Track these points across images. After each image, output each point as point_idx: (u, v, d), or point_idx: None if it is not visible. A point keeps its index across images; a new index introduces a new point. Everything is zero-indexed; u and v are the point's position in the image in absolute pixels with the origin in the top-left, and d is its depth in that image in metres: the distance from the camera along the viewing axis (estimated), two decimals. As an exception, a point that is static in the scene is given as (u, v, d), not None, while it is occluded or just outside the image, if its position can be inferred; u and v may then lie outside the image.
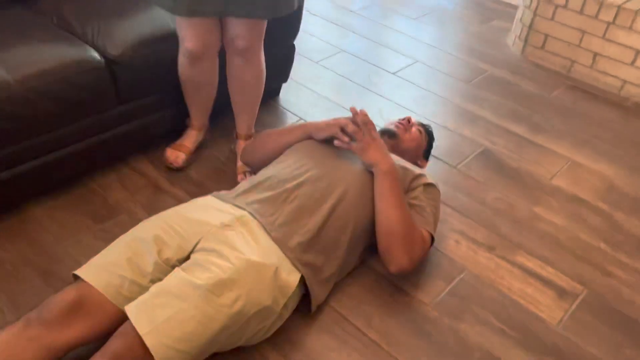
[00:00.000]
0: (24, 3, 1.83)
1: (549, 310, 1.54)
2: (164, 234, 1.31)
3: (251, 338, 1.30)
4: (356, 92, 2.46)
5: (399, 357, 1.39)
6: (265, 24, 1.68)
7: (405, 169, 1.56)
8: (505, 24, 3.17)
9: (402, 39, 2.95)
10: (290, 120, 2.23)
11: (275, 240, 1.35)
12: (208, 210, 1.39)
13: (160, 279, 1.25)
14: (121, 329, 1.14)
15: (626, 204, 1.94)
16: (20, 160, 1.58)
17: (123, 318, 1.19)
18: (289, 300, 1.33)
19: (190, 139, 1.91)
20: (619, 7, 2.46)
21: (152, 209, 1.72)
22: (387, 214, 1.45)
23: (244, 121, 1.91)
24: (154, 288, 1.19)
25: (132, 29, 1.72)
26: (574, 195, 1.96)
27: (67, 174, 1.75)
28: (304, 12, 3.07)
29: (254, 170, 1.73)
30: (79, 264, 1.51)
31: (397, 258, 1.45)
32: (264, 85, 1.85)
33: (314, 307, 1.42)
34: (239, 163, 1.88)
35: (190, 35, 1.61)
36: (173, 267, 1.28)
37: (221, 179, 1.88)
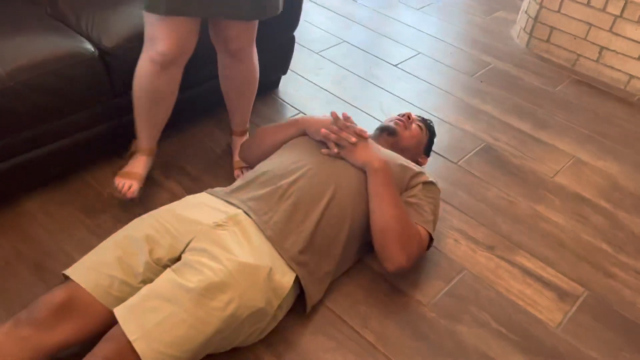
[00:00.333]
0: (18, -8, 1.79)
1: (548, 312, 1.52)
2: (155, 233, 1.29)
3: (245, 339, 1.28)
4: (357, 84, 2.42)
5: (395, 359, 1.37)
6: (257, 23, 1.62)
7: (403, 167, 1.53)
8: (510, 15, 3.11)
9: (404, 30, 2.90)
10: (289, 112, 2.19)
11: (270, 239, 1.32)
12: (201, 209, 1.37)
13: (151, 279, 1.23)
14: (110, 332, 1.12)
15: (630, 203, 1.91)
16: (13, 153, 1.55)
17: (113, 318, 1.17)
18: (283, 301, 1.31)
19: (141, 164, 1.67)
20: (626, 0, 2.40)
21: (147, 203, 1.70)
22: (381, 212, 1.42)
23: (238, 118, 1.87)
24: (144, 290, 1.17)
25: (127, 20, 1.68)
26: (576, 193, 1.93)
27: (62, 167, 1.72)
28: (307, 1, 3.03)
29: (252, 167, 1.70)
30: (72, 259, 1.49)
31: (393, 256, 1.42)
32: (257, 82, 1.80)
33: (309, 308, 1.40)
34: (236, 158, 1.85)
35: (165, 36, 1.45)
36: (164, 267, 1.26)
37: (217, 173, 1.85)
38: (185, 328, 1.12)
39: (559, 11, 2.62)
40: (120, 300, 1.21)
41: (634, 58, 2.47)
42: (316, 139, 1.54)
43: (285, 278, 1.30)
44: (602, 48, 2.55)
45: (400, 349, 1.39)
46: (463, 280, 1.58)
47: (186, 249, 1.27)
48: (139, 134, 1.66)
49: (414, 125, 1.74)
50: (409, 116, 1.74)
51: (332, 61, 2.56)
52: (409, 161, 1.58)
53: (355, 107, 2.26)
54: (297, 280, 1.34)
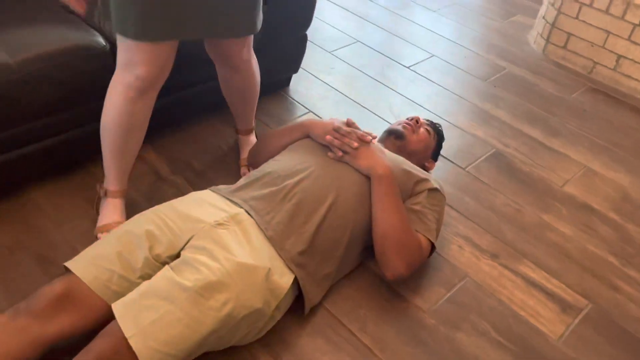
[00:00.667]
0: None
1: (550, 324, 1.49)
2: (156, 229, 1.29)
3: (242, 339, 1.28)
4: (368, 85, 2.40)
5: (392, 364, 1.36)
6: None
7: (408, 172, 1.52)
8: (528, 20, 3.08)
9: (419, 31, 2.88)
10: (299, 112, 2.19)
11: (270, 239, 1.32)
12: (203, 206, 1.37)
13: (149, 275, 1.23)
14: (107, 328, 1.12)
15: (639, 216, 1.88)
16: (20, 143, 1.56)
17: (111, 312, 1.17)
18: (281, 302, 1.30)
19: (117, 210, 1.53)
20: (647, 8, 2.36)
21: (152, 197, 1.70)
22: (382, 219, 1.41)
23: (243, 119, 1.85)
24: (142, 287, 1.17)
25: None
26: (585, 204, 1.90)
27: (69, 158, 1.73)
28: (321, 0, 3.02)
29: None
30: (75, 251, 1.50)
31: (392, 264, 1.41)
32: (259, 84, 1.76)
33: (307, 309, 1.39)
34: (243, 156, 1.85)
35: (146, 61, 1.32)
36: (163, 263, 1.26)
37: (223, 170, 1.85)
38: (180, 327, 1.12)
39: (577, 17, 2.58)
40: (119, 294, 1.22)
41: (652, 68, 2.43)
42: (320, 143, 1.53)
43: (284, 279, 1.30)
44: (619, 56, 2.51)
45: (397, 354, 1.38)
46: (465, 287, 1.56)
47: (186, 247, 1.27)
48: (109, 174, 1.51)
49: (421, 129, 1.73)
50: (417, 120, 1.72)
51: (344, 61, 2.55)
52: (414, 166, 1.57)
53: (365, 108, 2.25)
54: (296, 282, 1.34)
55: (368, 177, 1.46)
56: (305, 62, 2.40)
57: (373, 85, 2.40)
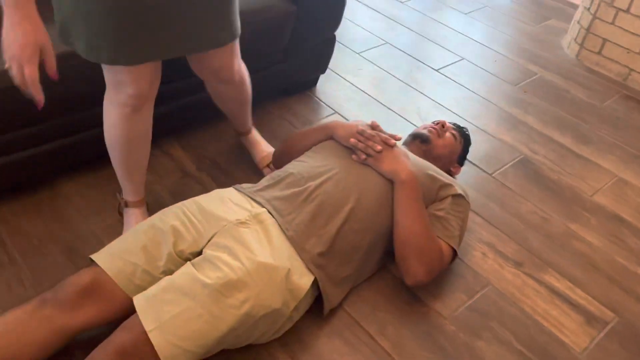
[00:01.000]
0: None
1: (574, 335, 1.46)
2: (181, 225, 1.31)
3: (260, 337, 1.29)
4: (396, 87, 2.39)
5: (410, 369, 1.35)
6: (238, 41, 1.45)
7: (432, 177, 1.50)
8: (561, 24, 3.01)
9: (450, 34, 2.85)
10: (325, 112, 2.19)
11: (291, 239, 1.32)
12: (226, 204, 1.38)
13: (171, 270, 1.25)
14: (128, 321, 1.15)
15: (672, 229, 1.82)
16: (53, 136, 1.60)
17: (132, 305, 1.20)
18: (300, 303, 1.31)
19: (139, 218, 1.55)
20: (687, 14, 2.29)
21: (178, 194, 1.73)
22: (404, 225, 1.40)
23: (241, 122, 1.80)
24: (163, 282, 1.19)
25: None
26: (615, 214, 1.85)
27: (99, 153, 1.76)
28: (352, 1, 3.02)
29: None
30: (101, 244, 1.54)
31: (412, 270, 1.40)
32: (251, 87, 1.66)
33: (326, 311, 1.40)
34: (258, 157, 1.85)
35: (134, 80, 1.29)
36: (186, 259, 1.28)
37: (248, 168, 1.87)
38: (200, 323, 1.14)
39: (613, 23, 2.52)
40: (141, 288, 1.24)
41: (691, 76, 2.35)
42: (344, 145, 1.53)
43: (303, 280, 1.30)
44: (656, 64, 2.44)
45: (415, 359, 1.37)
46: (487, 295, 1.54)
47: (208, 244, 1.28)
48: (124, 187, 1.54)
49: (447, 134, 1.71)
50: (443, 124, 1.71)
51: (372, 62, 2.54)
52: (439, 171, 1.55)
53: (393, 110, 2.24)
54: (315, 283, 1.34)
55: (391, 181, 1.46)
56: (333, 62, 2.40)
57: (401, 88, 2.39)
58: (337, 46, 2.23)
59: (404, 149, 1.56)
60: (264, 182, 1.50)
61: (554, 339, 1.45)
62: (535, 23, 3.02)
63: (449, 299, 1.52)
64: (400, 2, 3.12)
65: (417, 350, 1.39)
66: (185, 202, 1.42)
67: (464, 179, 1.91)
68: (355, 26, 2.82)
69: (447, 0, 3.19)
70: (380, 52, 2.62)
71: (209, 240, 1.30)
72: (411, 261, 1.41)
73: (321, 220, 1.37)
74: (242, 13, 1.75)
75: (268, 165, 1.82)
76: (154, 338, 1.10)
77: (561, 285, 1.59)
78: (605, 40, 2.58)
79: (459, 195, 1.52)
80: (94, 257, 1.28)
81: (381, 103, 2.27)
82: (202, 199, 1.42)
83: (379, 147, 1.46)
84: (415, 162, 1.52)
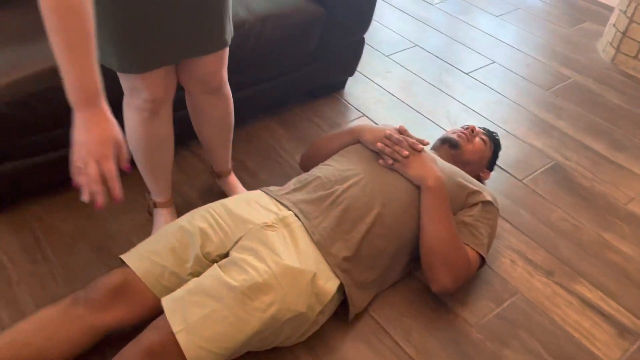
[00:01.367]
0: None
1: (606, 348, 1.43)
2: (209, 228, 1.32)
3: (285, 341, 1.29)
4: (425, 90, 2.37)
5: (435, 377, 1.34)
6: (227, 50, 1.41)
7: (460, 184, 1.49)
8: (596, 27, 2.95)
9: (480, 37, 2.81)
10: (353, 115, 2.18)
11: (317, 243, 1.32)
12: (253, 207, 1.39)
13: (198, 272, 1.26)
14: (156, 322, 1.16)
15: None
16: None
17: (160, 306, 1.21)
18: (325, 307, 1.31)
19: (168, 218, 1.57)
20: None
21: (206, 194, 1.75)
22: (430, 231, 1.39)
23: (221, 156, 1.66)
24: (191, 284, 1.20)
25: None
26: (650, 223, 1.80)
27: (129, 153, 1.80)
28: (381, 3, 3.00)
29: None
30: (131, 243, 1.57)
31: (438, 277, 1.39)
32: (233, 116, 1.59)
33: (351, 316, 1.39)
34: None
35: (147, 85, 1.29)
36: (212, 261, 1.29)
37: (275, 171, 1.88)
38: (226, 325, 1.15)
39: (650, 26, 2.45)
40: (169, 289, 1.26)
41: None
42: (371, 149, 1.52)
43: (329, 284, 1.30)
44: (696, 68, 2.36)
45: (441, 367, 1.36)
46: (515, 304, 1.52)
47: (235, 246, 1.29)
48: (151, 189, 1.56)
49: (477, 139, 1.69)
50: (472, 129, 1.68)
51: (401, 65, 2.52)
52: (468, 177, 1.54)
53: (421, 114, 2.22)
54: (341, 287, 1.34)
55: (418, 187, 1.44)
56: (362, 65, 2.39)
57: (430, 91, 2.37)
58: (365, 48, 2.22)
59: (432, 154, 1.54)
60: (291, 185, 1.50)
61: (584, 351, 1.42)
62: (569, 26, 2.96)
63: (476, 306, 1.50)
64: (430, 4, 3.09)
65: (443, 357, 1.38)
66: (212, 204, 1.43)
67: (493, 185, 1.88)
68: (384, 28, 2.80)
69: (477, 3, 3.15)
70: (410, 55, 2.61)
71: (235, 243, 1.31)
72: (437, 268, 1.39)
73: (347, 224, 1.36)
74: (271, 15, 1.77)
75: None
76: (181, 339, 1.11)
77: (593, 295, 1.56)
78: (642, 43, 2.51)
79: (488, 202, 1.50)
80: (124, 257, 1.30)
81: (410, 106, 2.26)
82: (230, 201, 1.43)
83: (406, 152, 1.45)
84: (444, 167, 1.50)
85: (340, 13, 1.94)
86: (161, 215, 1.58)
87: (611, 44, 2.64)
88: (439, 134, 1.78)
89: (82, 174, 0.95)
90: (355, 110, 2.21)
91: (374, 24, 2.33)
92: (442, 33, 2.82)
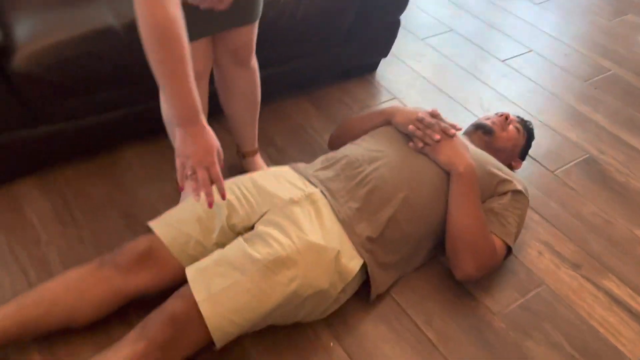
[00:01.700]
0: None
1: (631, 345, 1.40)
2: (235, 200, 1.33)
3: (306, 316, 1.29)
4: (458, 76, 2.33)
5: (454, 362, 1.33)
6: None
7: (491, 172, 1.46)
8: (639, 20, 2.85)
9: (519, 24, 2.74)
10: (384, 97, 2.16)
11: (342, 222, 1.32)
12: (281, 182, 1.39)
13: (223, 243, 1.27)
14: (180, 291, 1.18)
15: None
16: (120, 104, 1.65)
17: (184, 275, 1.23)
18: (347, 285, 1.30)
19: None
20: None
21: (233, 168, 1.75)
22: (457, 218, 1.37)
23: (247, 134, 1.66)
24: (215, 254, 1.21)
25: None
26: (686, 223, 1.75)
27: (161, 123, 1.81)
28: (418, -15, 2.94)
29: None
30: (157, 211, 1.58)
31: (463, 265, 1.37)
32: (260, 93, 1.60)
33: (373, 296, 1.39)
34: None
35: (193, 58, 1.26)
36: (238, 233, 1.29)
37: (304, 149, 1.87)
38: (248, 297, 1.15)
39: (699, 20, 2.36)
40: (194, 258, 1.27)
41: None
42: (402, 131, 1.50)
43: (352, 263, 1.29)
44: None
45: (460, 352, 1.35)
46: (540, 295, 1.49)
47: (260, 220, 1.30)
48: None
49: (511, 127, 1.65)
50: (507, 116, 1.65)
51: (436, 49, 2.48)
52: (499, 165, 1.50)
53: (453, 99, 2.18)
54: (364, 267, 1.33)
55: (447, 173, 1.42)
56: (396, 47, 2.35)
57: (464, 77, 2.33)
58: (400, 31, 2.19)
59: (464, 140, 1.52)
60: (318, 163, 1.50)
61: (609, 347, 1.39)
62: (611, 17, 2.87)
63: (500, 295, 1.48)
64: (469, -11, 3.02)
65: (464, 344, 1.36)
66: (241, 177, 1.43)
67: (524, 175, 1.85)
68: (420, 11, 2.75)
69: (518, -11, 3.06)
70: (445, 39, 2.56)
71: (261, 216, 1.31)
72: (462, 256, 1.37)
73: (373, 205, 1.35)
74: (308, -8, 1.74)
75: None
76: (204, 308, 1.12)
77: (621, 292, 1.52)
78: (688, 38, 2.42)
79: (519, 192, 1.47)
80: (151, 224, 1.32)
81: (442, 91, 2.22)
82: (258, 175, 1.43)
83: (437, 137, 1.42)
84: (475, 154, 1.48)
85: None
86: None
87: (655, 37, 2.55)
88: (470, 121, 1.75)
89: (193, 180, 1.09)
90: (387, 93, 2.18)
91: (410, 6, 2.29)
92: (478, 18, 2.76)
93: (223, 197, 1.13)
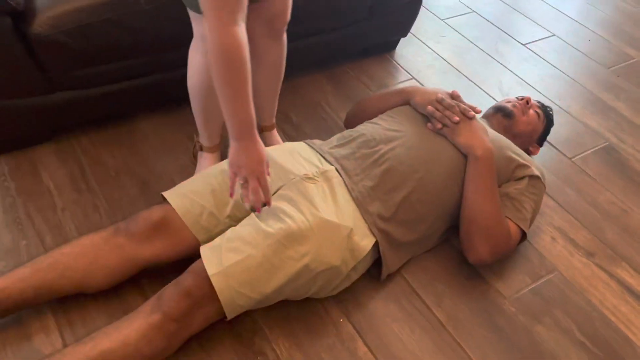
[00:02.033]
0: None
1: (642, 335, 1.39)
2: (250, 174, 1.32)
3: (317, 292, 1.30)
4: (478, 58, 2.29)
5: (463, 344, 1.33)
6: None
7: (509, 157, 1.44)
8: (668, 7, 2.78)
9: (542, 7, 2.69)
10: (402, 77, 2.13)
11: (356, 200, 1.31)
12: (295, 158, 1.38)
13: (236, 216, 1.28)
14: (193, 265, 1.19)
15: None
16: (138, 74, 1.64)
17: (196, 246, 1.24)
18: (359, 263, 1.30)
19: (212, 163, 1.59)
20: None
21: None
22: (474, 202, 1.36)
23: (267, 107, 1.66)
24: (228, 232, 1.22)
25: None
26: None
27: (178, 94, 1.80)
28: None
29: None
30: (172, 182, 1.59)
31: (476, 249, 1.37)
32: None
33: (384, 276, 1.39)
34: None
35: None
36: (251, 207, 1.29)
37: (319, 127, 1.86)
38: (260, 271, 1.16)
39: None
40: (207, 230, 1.27)
41: None
42: (420, 112, 1.48)
43: (365, 241, 1.29)
44: None
45: (470, 334, 1.35)
46: (552, 281, 1.49)
47: (274, 195, 1.29)
48: (201, 132, 1.57)
49: (531, 111, 1.63)
50: (527, 100, 1.62)
51: (456, 30, 2.44)
52: (517, 150, 1.48)
53: (472, 82, 2.16)
54: (376, 246, 1.33)
55: (464, 155, 1.41)
56: (415, 27, 2.33)
57: (484, 59, 2.29)
58: (421, 10, 2.15)
59: (483, 123, 1.50)
60: (334, 140, 1.49)
61: (620, 336, 1.38)
62: (637, 4, 2.80)
63: (511, 279, 1.48)
64: (492, -30, 2.96)
65: (473, 326, 1.37)
66: (256, 151, 1.43)
67: (541, 161, 1.83)
68: (442, -9, 2.71)
69: (543, -28, 3.00)
70: (466, 21, 2.52)
71: (275, 191, 1.31)
72: (476, 240, 1.37)
73: (388, 185, 1.34)
74: (331, -34, 1.72)
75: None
76: (216, 282, 1.13)
77: (634, 281, 1.51)
78: None
79: (536, 177, 1.46)
80: (165, 194, 1.32)
81: (461, 73, 2.19)
82: (273, 150, 1.42)
83: (456, 118, 1.40)
84: (494, 138, 1.46)
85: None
86: (206, 159, 1.59)
87: (682, 25, 2.49)
88: (489, 104, 1.73)
89: (244, 188, 1.17)
90: (405, 73, 2.15)
91: (431, -14, 2.27)
92: (501, 1, 2.70)
93: (268, 204, 1.19)
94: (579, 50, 2.41)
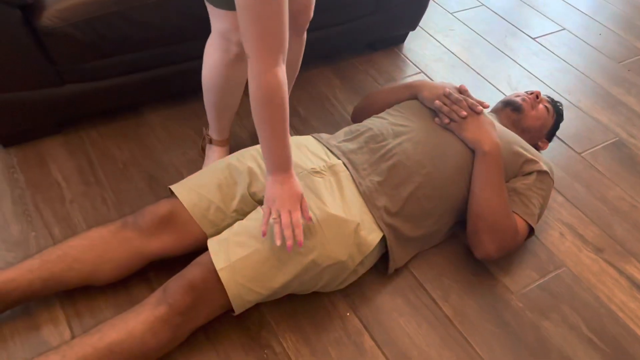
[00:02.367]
0: None
1: (650, 331, 1.39)
2: (257, 168, 1.32)
3: (324, 287, 1.30)
4: (487, 52, 2.28)
5: (470, 339, 1.33)
6: None
7: (516, 152, 1.43)
8: (680, 1, 2.74)
9: (552, 1, 2.66)
10: (410, 70, 2.12)
11: (363, 195, 1.31)
12: (303, 152, 1.38)
13: (243, 210, 1.28)
14: (199, 258, 1.19)
15: None
16: (146, 66, 1.64)
17: (203, 240, 1.23)
18: (365, 258, 1.30)
19: (220, 156, 1.58)
20: None
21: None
22: (481, 198, 1.35)
23: None
24: (236, 226, 1.22)
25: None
26: None
27: (186, 87, 1.81)
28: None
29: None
30: (180, 175, 1.59)
31: (483, 244, 1.36)
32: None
33: (391, 270, 1.38)
34: None
35: (237, 25, 1.25)
36: (258, 202, 1.30)
37: (327, 120, 1.85)
38: (267, 266, 1.16)
39: None
40: (214, 224, 1.28)
41: None
42: (428, 106, 1.47)
43: (372, 236, 1.29)
44: None
45: (476, 330, 1.34)
46: (560, 277, 1.48)
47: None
48: (211, 126, 1.57)
49: (541, 106, 1.62)
50: (537, 95, 1.61)
51: (465, 24, 2.42)
52: (525, 145, 1.47)
53: (481, 76, 2.14)
54: (383, 240, 1.33)
55: (472, 150, 1.40)
56: (424, 21, 2.31)
57: (493, 53, 2.28)
58: (430, 3, 2.14)
59: (491, 117, 1.49)
60: (341, 134, 1.48)
61: (628, 332, 1.38)
62: (650, -3, 2.77)
63: (519, 275, 1.47)
64: (502, -38, 2.93)
65: (480, 321, 1.36)
66: (263, 144, 1.42)
67: (550, 156, 1.81)
68: (451, -16, 2.69)
69: (553, -35, 2.97)
70: (475, 14, 2.50)
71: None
72: (483, 235, 1.36)
73: (395, 180, 1.34)
74: (339, -41, 1.70)
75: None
76: (224, 277, 1.14)
77: (643, 278, 1.50)
78: None
79: (544, 172, 1.45)
80: (173, 188, 1.32)
81: (470, 67, 2.18)
82: (281, 143, 1.42)
83: (464, 113, 1.39)
84: (501, 133, 1.45)
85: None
86: (214, 152, 1.59)
87: (695, 20, 2.46)
88: (497, 98, 1.72)
89: (276, 222, 1.15)
90: (413, 66, 2.14)
91: (440, -21, 2.25)
92: (511, -6, 2.68)
93: (300, 244, 1.15)
94: (589, 45, 2.39)
